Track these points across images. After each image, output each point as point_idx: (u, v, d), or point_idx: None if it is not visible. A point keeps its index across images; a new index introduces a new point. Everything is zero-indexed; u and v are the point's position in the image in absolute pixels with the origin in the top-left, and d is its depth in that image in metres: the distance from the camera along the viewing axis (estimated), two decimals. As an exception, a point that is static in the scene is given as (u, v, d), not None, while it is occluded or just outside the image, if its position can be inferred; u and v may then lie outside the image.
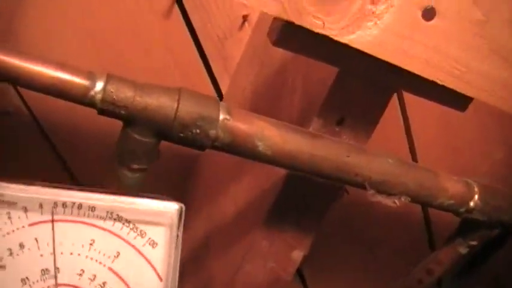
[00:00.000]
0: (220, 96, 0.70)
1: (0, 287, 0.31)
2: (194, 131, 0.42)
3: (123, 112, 0.40)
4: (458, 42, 0.45)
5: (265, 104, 0.60)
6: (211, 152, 0.49)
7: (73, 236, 0.32)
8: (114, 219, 0.33)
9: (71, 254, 0.32)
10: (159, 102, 0.41)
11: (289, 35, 0.43)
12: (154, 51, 0.65)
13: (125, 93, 0.40)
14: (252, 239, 0.55)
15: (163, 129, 0.42)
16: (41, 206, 0.32)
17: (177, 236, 0.33)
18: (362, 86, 0.50)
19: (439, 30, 0.44)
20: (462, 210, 0.51)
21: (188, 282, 0.64)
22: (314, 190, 0.53)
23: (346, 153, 0.46)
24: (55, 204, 0.32)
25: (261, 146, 0.44)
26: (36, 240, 0.32)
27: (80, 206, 0.32)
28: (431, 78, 0.45)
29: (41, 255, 0.32)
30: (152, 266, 0.33)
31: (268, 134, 0.44)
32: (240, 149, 0.44)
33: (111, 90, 0.40)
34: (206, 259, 0.62)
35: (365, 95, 0.51)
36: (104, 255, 0.33)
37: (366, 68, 0.46)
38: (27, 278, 0.32)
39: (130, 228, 0.33)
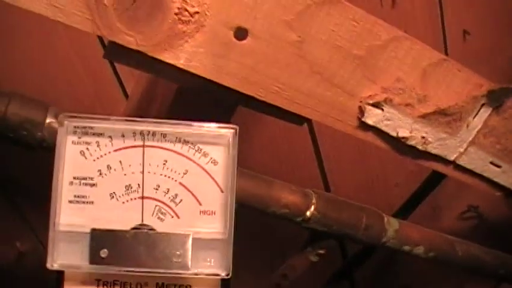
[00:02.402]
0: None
1: (94, 200, 0.39)
2: (22, 132, 0.47)
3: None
4: (275, 61, 0.47)
5: (140, 112, 0.64)
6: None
7: (150, 158, 0.40)
8: (182, 143, 0.40)
9: (149, 172, 0.40)
10: (-11, 105, 0.46)
11: (116, 49, 0.47)
12: (61, 49, 0.70)
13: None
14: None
15: (-5, 130, 0.46)
16: (123, 135, 0.40)
17: (233, 154, 0.40)
18: (202, 99, 0.53)
19: (253, 50, 0.47)
20: (298, 219, 0.54)
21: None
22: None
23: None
24: (134, 133, 0.40)
25: (86, 149, 0.48)
26: (120, 163, 0.39)
27: (154, 134, 0.40)
28: (251, 94, 0.48)
29: (125, 174, 0.39)
30: (214, 180, 0.40)
31: (93, 137, 0.48)
32: (66, 151, 0.48)
33: None
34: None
35: (207, 108, 0.54)
36: (175, 172, 0.40)
37: (197, 84, 0.49)
38: (114, 192, 0.39)
39: (196, 150, 0.40)
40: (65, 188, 0.39)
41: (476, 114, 0.54)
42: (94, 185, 0.39)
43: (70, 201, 0.39)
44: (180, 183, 0.40)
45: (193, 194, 0.40)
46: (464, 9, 0.76)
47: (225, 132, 0.41)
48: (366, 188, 0.81)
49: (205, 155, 0.40)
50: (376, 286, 0.87)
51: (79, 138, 0.39)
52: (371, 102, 0.50)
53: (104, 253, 0.38)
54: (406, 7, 0.73)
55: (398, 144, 0.53)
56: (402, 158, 0.83)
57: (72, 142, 0.39)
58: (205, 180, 0.40)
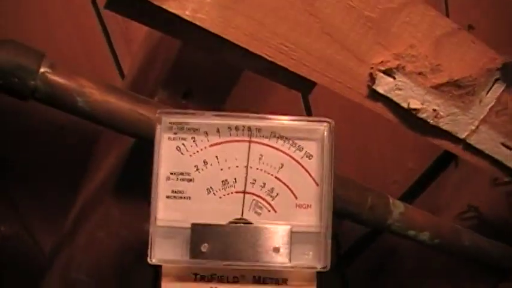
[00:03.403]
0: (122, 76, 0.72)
1: (191, 195, 0.39)
2: (13, 79, 0.44)
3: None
4: (285, 17, 0.45)
5: (138, 77, 0.61)
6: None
7: (245, 152, 0.39)
8: (277, 138, 0.40)
9: (245, 167, 0.39)
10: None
11: (119, -2, 0.45)
12: (59, 28, 0.68)
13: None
14: (105, 208, 0.56)
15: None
16: (218, 130, 0.39)
17: (329, 147, 0.40)
18: (207, 60, 0.51)
19: (263, 3, 0.44)
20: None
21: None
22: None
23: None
24: (229, 128, 0.39)
25: (80, 102, 0.45)
26: (217, 158, 0.39)
27: (249, 129, 0.39)
28: (258, 52, 0.46)
29: (221, 169, 0.39)
30: (309, 174, 0.40)
31: (88, 91, 0.45)
32: (59, 102, 0.45)
33: None
34: (77, 226, 0.63)
35: (211, 70, 0.51)
36: (271, 166, 0.40)
37: (202, 41, 0.47)
38: (211, 187, 0.39)
39: (290, 144, 0.40)
40: (162, 184, 0.39)
41: (490, 89, 0.52)
42: (191, 180, 0.39)
43: (168, 197, 0.39)
44: (276, 177, 0.40)
45: (289, 188, 0.40)
46: (470, 3, 0.74)
47: (319, 126, 0.40)
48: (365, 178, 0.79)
49: (300, 149, 0.40)
50: (369, 282, 0.84)
51: (175, 134, 0.39)
52: (383, 69, 0.48)
53: (204, 247, 0.39)
54: None
55: (409, 116, 0.51)
56: (401, 155, 0.81)
57: (168, 138, 0.39)
58: (300, 174, 0.40)
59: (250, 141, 0.40)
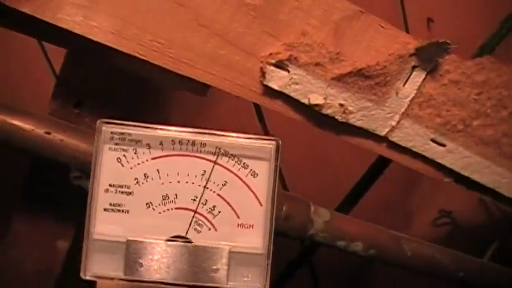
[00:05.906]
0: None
1: (130, 209, 0.38)
2: None
3: None
4: (150, 11, 0.41)
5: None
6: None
7: (188, 168, 0.38)
8: (222, 154, 0.39)
9: (186, 182, 0.38)
10: None
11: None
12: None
13: None
14: (14, 226, 0.53)
15: None
16: (161, 143, 0.38)
17: (274, 167, 0.39)
18: (95, 67, 0.48)
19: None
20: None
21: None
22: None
23: (46, 130, 0.44)
24: (173, 141, 0.38)
25: None
26: (158, 171, 0.38)
27: (193, 143, 0.38)
28: (129, 52, 0.42)
29: (162, 184, 0.38)
30: (253, 193, 0.39)
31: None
32: None
33: None
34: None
35: (100, 77, 0.48)
36: (214, 183, 0.39)
37: (75, 44, 0.43)
38: (150, 202, 0.38)
39: (235, 162, 0.39)
40: (100, 196, 0.38)
41: (408, 79, 0.46)
42: (130, 193, 0.38)
43: (105, 209, 0.38)
44: (219, 194, 0.39)
45: (231, 207, 0.39)
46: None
47: (266, 144, 0.39)
48: (327, 190, 0.73)
49: (245, 166, 0.39)
50: (336, 267, 0.76)
51: (116, 144, 0.38)
52: (273, 61, 0.43)
53: (139, 264, 0.38)
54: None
55: (314, 114, 0.46)
56: (368, 159, 0.74)
57: (109, 149, 0.38)
58: (244, 193, 0.39)
59: (193, 156, 0.38)
